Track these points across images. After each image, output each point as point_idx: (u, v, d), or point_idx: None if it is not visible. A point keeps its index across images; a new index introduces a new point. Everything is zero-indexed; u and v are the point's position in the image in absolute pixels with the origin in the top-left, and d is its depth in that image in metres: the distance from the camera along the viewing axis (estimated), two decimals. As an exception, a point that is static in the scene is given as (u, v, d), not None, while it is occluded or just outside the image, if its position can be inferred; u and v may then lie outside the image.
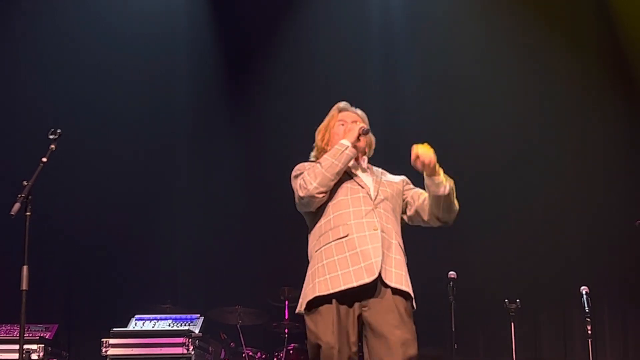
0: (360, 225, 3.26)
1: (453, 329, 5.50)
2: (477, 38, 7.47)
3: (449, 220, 3.42)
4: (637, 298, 7.02)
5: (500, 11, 7.40)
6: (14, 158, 6.69)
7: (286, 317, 6.56)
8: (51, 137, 3.90)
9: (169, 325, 5.79)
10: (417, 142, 3.29)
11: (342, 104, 3.62)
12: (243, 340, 6.32)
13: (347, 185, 3.38)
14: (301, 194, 3.32)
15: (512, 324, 5.75)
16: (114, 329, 5.60)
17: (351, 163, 3.40)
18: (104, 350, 5.50)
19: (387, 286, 3.20)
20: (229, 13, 7.93)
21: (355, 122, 3.52)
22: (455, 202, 3.39)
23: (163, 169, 7.69)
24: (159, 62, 7.67)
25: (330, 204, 3.35)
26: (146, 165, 7.51)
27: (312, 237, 3.40)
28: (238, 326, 6.38)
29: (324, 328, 3.17)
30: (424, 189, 3.40)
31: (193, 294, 7.29)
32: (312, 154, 3.59)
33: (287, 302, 6.55)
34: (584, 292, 5.32)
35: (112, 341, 5.52)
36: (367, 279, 3.16)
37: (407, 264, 3.33)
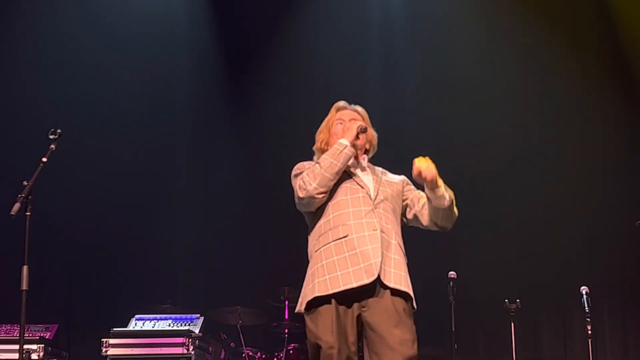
0: (360, 226, 3.25)
1: (453, 329, 5.50)
2: (477, 38, 7.47)
3: (447, 227, 3.43)
4: (637, 298, 7.02)
5: (500, 11, 7.41)
6: (14, 158, 6.69)
7: (286, 317, 6.56)
8: (51, 137, 3.91)
9: (169, 325, 5.79)
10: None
11: (341, 103, 3.60)
12: (243, 340, 6.32)
13: (346, 185, 3.37)
14: (301, 195, 3.31)
15: (512, 324, 5.75)
16: (114, 329, 5.60)
17: (351, 162, 3.39)
18: (104, 350, 5.50)
19: (386, 287, 3.19)
20: (229, 13, 7.93)
21: (354, 120, 3.49)
22: (455, 210, 3.39)
23: (163, 169, 7.69)
24: (159, 62, 7.68)
25: (330, 204, 3.34)
26: (146, 165, 7.52)
27: (312, 237, 3.39)
28: (238, 326, 6.38)
29: (324, 328, 3.17)
30: (423, 190, 3.40)
31: (193, 294, 7.30)
32: (315, 157, 3.54)
33: (287, 302, 6.55)
34: (584, 292, 5.32)
35: (112, 341, 5.52)
36: (367, 280, 3.15)
37: (407, 264, 3.33)
